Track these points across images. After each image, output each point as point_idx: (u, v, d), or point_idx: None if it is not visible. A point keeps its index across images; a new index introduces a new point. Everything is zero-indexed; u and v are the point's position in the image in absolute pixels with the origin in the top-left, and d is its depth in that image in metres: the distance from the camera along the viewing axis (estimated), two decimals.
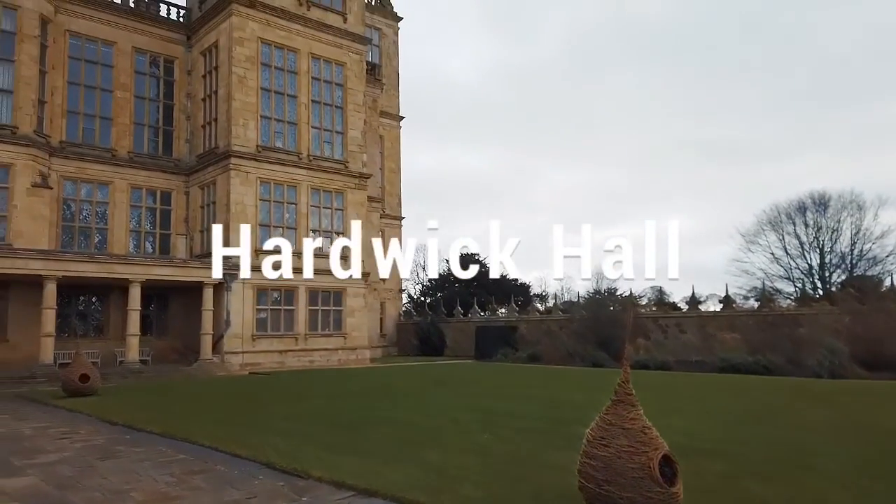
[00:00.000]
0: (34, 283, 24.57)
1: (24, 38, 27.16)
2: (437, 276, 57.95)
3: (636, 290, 36.62)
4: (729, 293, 32.24)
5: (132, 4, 31.61)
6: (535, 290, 58.38)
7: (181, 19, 33.18)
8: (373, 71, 39.48)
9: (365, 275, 33.71)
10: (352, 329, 32.80)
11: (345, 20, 34.09)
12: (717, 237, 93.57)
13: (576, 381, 21.95)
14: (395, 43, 46.03)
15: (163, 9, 32.74)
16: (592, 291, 36.05)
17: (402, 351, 43.01)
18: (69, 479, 8.38)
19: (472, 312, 42.32)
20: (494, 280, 50.18)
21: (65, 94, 29.34)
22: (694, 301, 32.31)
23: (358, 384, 21.33)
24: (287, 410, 14.62)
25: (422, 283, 63.04)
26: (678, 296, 35.98)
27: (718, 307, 31.72)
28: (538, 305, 47.51)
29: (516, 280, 52.70)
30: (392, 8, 46.12)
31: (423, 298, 56.11)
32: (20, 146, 26.82)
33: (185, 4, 33.99)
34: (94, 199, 30.07)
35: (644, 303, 36.73)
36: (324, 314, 31.98)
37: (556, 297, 55.14)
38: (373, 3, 44.30)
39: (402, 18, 46.36)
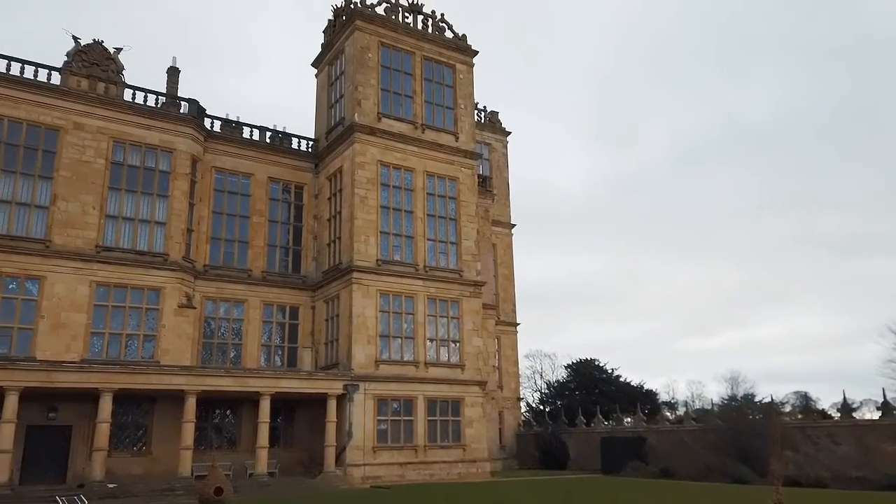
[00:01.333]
0: (176, 398, 26.34)
1: (177, 176, 30.81)
2: (555, 383, 56.44)
3: (777, 396, 33.64)
4: (888, 399, 28.85)
5: (268, 140, 35.21)
6: (662, 396, 55.12)
7: (309, 150, 36.45)
8: (484, 183, 40.99)
9: (481, 383, 33.45)
10: (471, 440, 32.18)
11: (457, 139, 36.05)
12: (863, 336, 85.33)
13: (724, 502, 20.02)
14: (505, 155, 47.89)
15: (294, 142, 36.19)
16: (727, 398, 33.52)
17: (522, 464, 41.39)
18: None
19: (595, 422, 40.36)
20: (618, 386, 48.07)
21: (209, 223, 32.56)
22: (846, 408, 29.19)
23: (479, 500, 20.61)
24: None
25: (540, 391, 61.47)
26: (826, 401, 32.67)
27: (876, 415, 28.36)
28: (667, 414, 44.58)
29: (641, 386, 50.15)
30: (501, 124, 48.39)
31: (542, 407, 54.44)
32: (170, 271, 29.75)
33: (313, 136, 37.40)
34: (231, 317, 32.38)
35: (787, 410, 33.57)
36: (442, 425, 31.72)
37: (686, 404, 51.70)
38: (482, 121, 46.73)
39: (510, 133, 48.45)
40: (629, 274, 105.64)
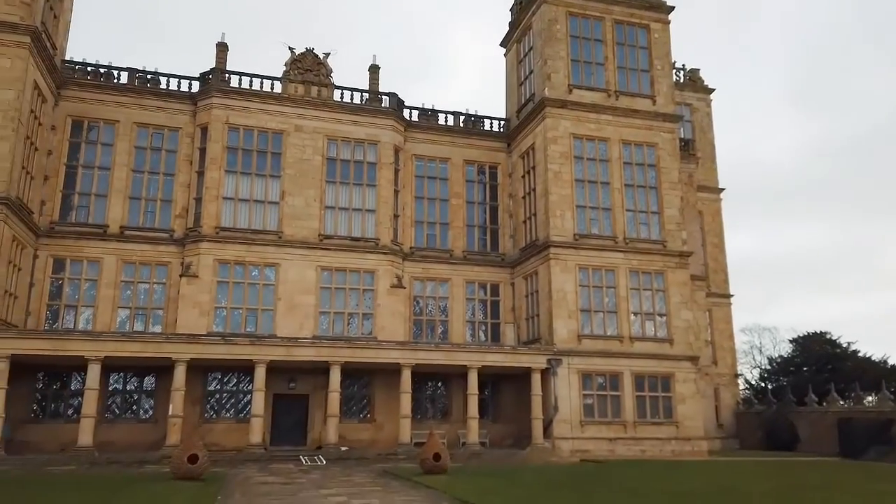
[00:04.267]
0: (393, 371, 28.46)
1: (382, 166, 33.05)
2: (778, 359, 51.63)
3: None
4: None
5: (461, 125, 36.31)
6: None
7: (501, 130, 36.93)
8: (686, 146, 38.47)
9: (693, 358, 31.68)
10: (684, 417, 30.69)
11: (654, 102, 34.19)
12: None
13: None
14: (709, 115, 44.45)
15: (486, 124, 36.91)
16: None
17: (743, 444, 38.60)
18: None
19: (828, 400, 36.26)
20: (856, 363, 42.75)
21: (413, 207, 34.51)
22: None
23: (700, 482, 19.60)
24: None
25: (760, 367, 56.68)
26: None
27: None
28: None
29: (885, 362, 44.02)
30: (702, 82, 44.92)
31: (763, 384, 50.12)
32: (381, 254, 32.11)
33: (504, 116, 37.81)
34: (437, 295, 34.11)
35: None
36: (652, 401, 30.62)
37: None
38: (681, 80, 43.76)
39: (713, 90, 44.80)
40: (858, 245, 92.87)
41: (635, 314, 31.49)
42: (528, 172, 34.18)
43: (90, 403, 24.20)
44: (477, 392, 28.38)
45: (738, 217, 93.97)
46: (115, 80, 31.43)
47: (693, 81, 44.66)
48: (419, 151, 35.11)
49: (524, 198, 34.48)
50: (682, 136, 39.05)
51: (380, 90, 34.85)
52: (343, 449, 26.70)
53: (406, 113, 34.98)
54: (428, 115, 36.07)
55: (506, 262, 35.14)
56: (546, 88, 32.73)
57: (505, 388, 33.16)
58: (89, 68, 31.37)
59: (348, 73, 71.35)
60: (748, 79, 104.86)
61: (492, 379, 32.37)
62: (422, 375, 30.57)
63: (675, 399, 30.83)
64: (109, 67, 31.54)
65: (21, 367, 25.04)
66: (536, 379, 28.78)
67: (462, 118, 36.50)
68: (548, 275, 30.96)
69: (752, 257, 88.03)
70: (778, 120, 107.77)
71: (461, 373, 29.35)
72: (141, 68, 31.83)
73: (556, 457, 27.79)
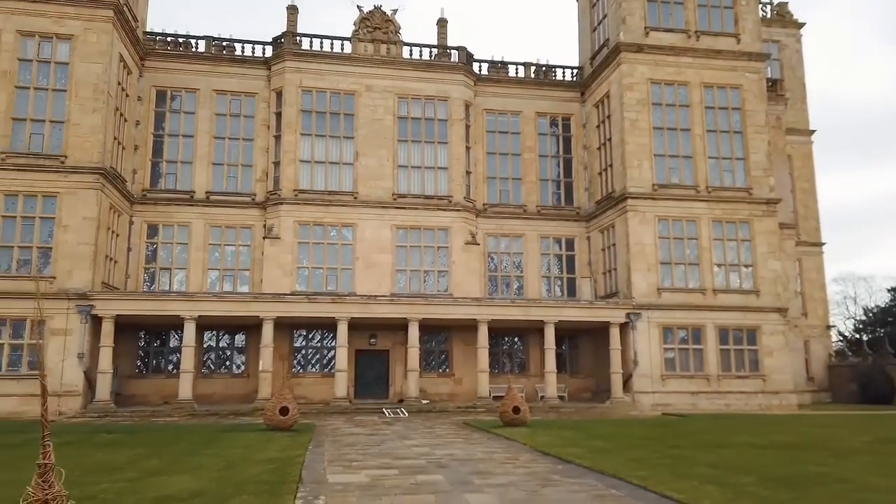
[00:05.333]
0: (469, 327, 28.79)
1: (453, 123, 32.83)
2: (874, 309, 48.96)
3: None
4: None
5: (532, 75, 35.43)
6: None
7: (574, 79, 35.81)
8: (773, 87, 36.21)
9: (781, 310, 30.44)
10: (770, 371, 29.71)
11: (738, 41, 32.23)
12: None
13: None
14: (798, 52, 41.53)
15: (558, 73, 35.86)
16: None
17: (836, 398, 37.09)
18: (520, 500, 9.39)
19: None
20: None
21: (484, 163, 34.24)
22: None
23: (786, 434, 19.03)
24: (709, 457, 13.85)
25: (854, 318, 53.93)
26: None
27: None
28: None
29: None
30: (791, 16, 41.87)
31: (858, 335, 47.73)
32: (455, 212, 32.17)
33: (576, 65, 36.62)
34: (511, 251, 34.00)
35: None
36: (737, 354, 29.76)
37: None
38: (768, 15, 40.95)
39: (803, 25, 41.73)
40: None
41: (719, 266, 30.43)
42: (603, 122, 33.15)
43: (188, 359, 25.78)
44: (554, 346, 28.39)
45: (831, 160, 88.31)
46: (194, 49, 32.38)
47: (781, 16, 41.68)
48: (490, 105, 34.61)
49: (599, 148, 33.55)
50: (770, 76, 36.74)
51: (448, 44, 34.40)
52: (424, 402, 27.44)
53: (476, 66, 34.45)
54: (498, 67, 35.39)
55: (581, 215, 34.50)
56: (621, 32, 31.39)
57: (582, 342, 32.99)
58: (169, 38, 32.42)
59: (416, 29, 70.66)
60: (840, 11, 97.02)
61: (569, 333, 32.23)
62: (498, 330, 30.79)
63: (762, 352, 29.83)
64: (187, 37, 32.49)
65: (125, 327, 26.89)
66: (615, 333, 28.45)
67: (533, 69, 35.62)
68: (625, 227, 30.23)
69: (845, 203, 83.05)
70: (872, 55, 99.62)
71: (538, 328, 29.37)
72: (216, 35, 32.63)
73: (637, 410, 27.59)
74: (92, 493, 9.11)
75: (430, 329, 30.26)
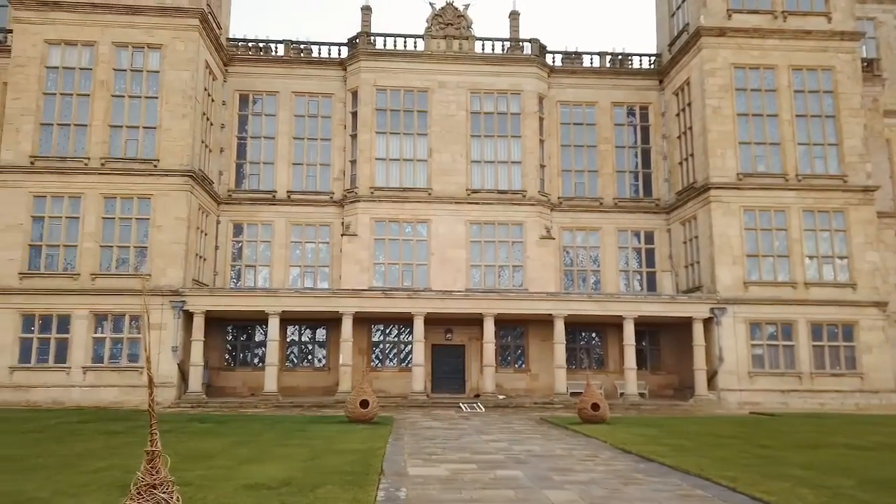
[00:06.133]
0: (545, 322, 28.53)
1: (526, 116, 32.55)
2: None
3: None
4: None
5: (608, 65, 34.64)
6: None
7: (652, 66, 34.76)
8: (869, 67, 33.95)
9: (880, 304, 28.63)
10: (869, 369, 27.97)
11: (829, 20, 30.42)
12: None
13: None
14: None
15: (635, 62, 34.92)
16: None
17: None
18: (602, 498, 9.25)
19: None
20: None
21: (559, 156, 33.78)
22: None
23: (887, 435, 17.87)
24: (803, 458, 13.20)
25: None
26: None
27: None
28: None
29: None
30: None
31: None
32: (529, 206, 31.92)
33: (654, 52, 35.55)
34: (588, 245, 33.40)
35: None
36: (831, 351, 28.19)
37: None
38: None
39: None
40: None
41: (810, 258, 28.88)
42: (684, 110, 32.04)
43: (273, 353, 26.77)
44: (634, 342, 27.74)
45: None
46: (273, 53, 33.50)
47: None
48: (564, 97, 34.10)
49: (679, 138, 32.46)
50: (865, 56, 34.44)
51: (521, 37, 34.13)
52: (500, 397, 27.44)
53: (549, 58, 34.01)
54: (572, 58, 34.81)
55: (660, 207, 33.50)
56: (702, 16, 30.22)
57: (664, 337, 32.09)
58: (250, 44, 33.68)
59: (488, 23, 70.46)
60: None
61: (649, 328, 31.40)
62: (575, 326, 30.35)
63: (860, 348, 28.12)
64: (267, 41, 33.66)
65: (214, 321, 28.19)
66: (698, 329, 27.51)
67: (608, 58, 34.81)
68: (708, 219, 29.14)
69: None
70: None
71: (616, 323, 28.78)
72: (294, 39, 33.62)
73: (723, 409, 26.60)
74: (189, 479, 9.61)
75: (506, 324, 30.19)
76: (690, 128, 31.25)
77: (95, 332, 26.49)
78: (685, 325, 28.38)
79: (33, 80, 27.52)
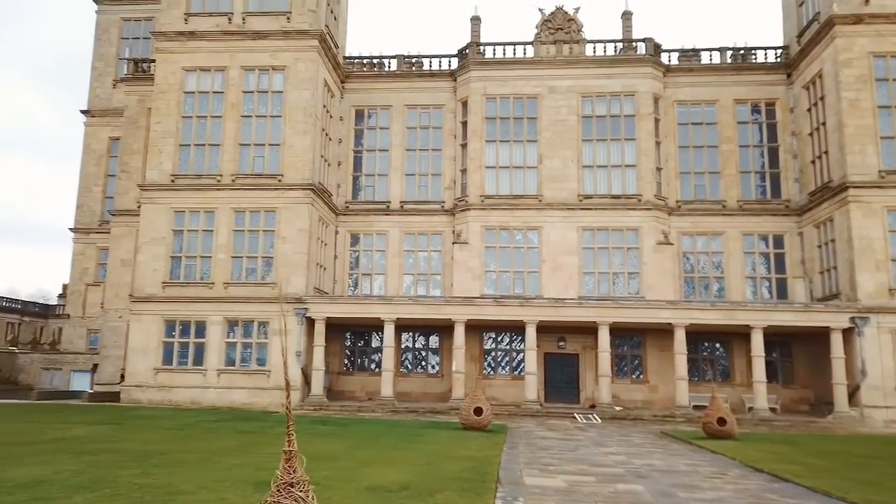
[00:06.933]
0: (664, 331, 27.38)
1: (641, 118, 31.54)
2: None
3: None
4: None
5: (728, 60, 32.88)
6: None
7: (778, 59, 32.62)
8: None
9: None
10: None
11: None
12: None
13: None
14: None
15: (759, 56, 32.91)
16: None
17: None
18: None
19: None
20: None
21: (677, 158, 32.42)
22: None
23: None
24: None
25: None
26: None
27: None
28: None
29: None
30: None
31: None
32: (644, 211, 30.86)
33: (780, 44, 33.36)
34: (710, 250, 31.76)
35: None
36: None
37: None
38: None
39: None
40: None
41: None
42: (816, 104, 29.79)
43: (389, 359, 27.51)
44: (763, 354, 26.03)
45: None
46: (387, 68, 34.61)
47: None
48: (681, 97, 32.72)
49: (811, 134, 30.20)
50: None
51: (633, 37, 33.16)
52: (617, 409, 26.62)
53: (664, 57, 32.80)
54: (689, 55, 33.37)
55: (790, 209, 31.28)
56: (834, 3, 28.00)
57: (797, 348, 29.89)
58: (364, 61, 34.99)
59: (599, 25, 69.11)
60: None
61: (780, 339, 29.33)
62: (697, 335, 28.91)
63: None
64: (380, 57, 34.82)
65: (333, 327, 29.38)
66: (837, 340, 25.37)
67: (729, 53, 33.04)
68: (846, 220, 26.86)
69: None
70: None
71: (743, 333, 27.16)
72: (406, 54, 34.56)
73: (867, 427, 24.34)
74: (315, 479, 10.00)
75: (621, 333, 29.28)
76: (824, 123, 29.00)
77: (227, 337, 28.39)
78: (821, 335, 26.28)
79: (173, 104, 30.04)
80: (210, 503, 8.55)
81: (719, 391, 25.14)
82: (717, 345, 30.75)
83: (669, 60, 32.88)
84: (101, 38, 41.05)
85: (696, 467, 13.47)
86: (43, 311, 53.35)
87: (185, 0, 30.87)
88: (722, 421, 18.57)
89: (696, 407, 25.71)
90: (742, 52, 33.08)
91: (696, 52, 33.30)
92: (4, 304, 51.08)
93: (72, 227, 40.17)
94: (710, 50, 33.17)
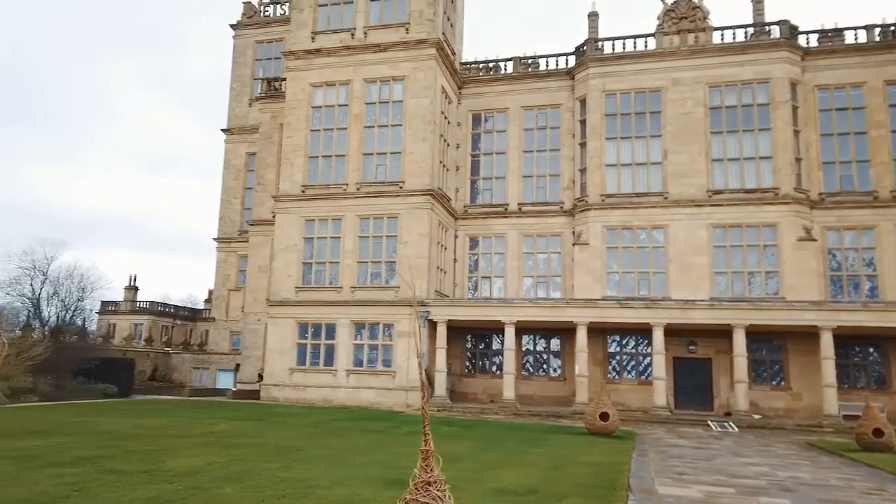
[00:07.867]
0: (807, 334, 25.34)
1: (776, 106, 29.44)
2: None
3: None
4: None
5: (876, 38, 29.94)
6: None
7: None
8: None
9: None
10: None
11: None
12: None
13: None
14: None
15: None
16: None
17: None
18: None
19: None
20: None
21: (818, 148, 29.95)
22: None
23: None
24: None
25: None
26: None
27: None
28: None
29: None
30: None
31: None
32: (783, 205, 28.76)
33: None
34: (859, 247, 29.04)
35: None
36: None
37: None
38: None
39: None
40: None
41: None
42: None
43: (510, 362, 27.47)
44: None
45: None
46: (502, 71, 34.65)
47: None
48: (822, 81, 30.19)
49: None
50: None
51: (766, 20, 31.03)
52: (756, 417, 24.95)
53: (802, 40, 30.44)
54: (830, 36, 30.73)
55: None
56: None
57: None
58: (480, 65, 35.24)
59: (726, 10, 65.31)
60: None
61: None
62: (846, 339, 26.49)
63: None
64: (496, 60, 34.92)
65: (455, 330, 29.80)
66: None
67: (877, 31, 30.06)
68: None
69: None
70: None
71: None
72: (522, 55, 34.42)
73: None
74: None
75: (758, 336, 27.40)
76: None
77: (355, 339, 29.58)
78: None
79: (302, 119, 31.79)
80: (345, 498, 8.93)
81: (874, 399, 22.89)
82: (870, 349, 28.00)
83: (808, 43, 30.47)
84: (237, 60, 44.23)
85: (849, 482, 12.33)
86: (192, 315, 58.20)
87: (311, 20, 32.61)
88: (878, 432, 16.86)
89: (846, 417, 23.56)
90: (893, 28, 29.98)
91: (838, 32, 30.61)
92: (160, 308, 56.33)
93: (215, 237, 43.52)
94: (855, 28, 30.39)
